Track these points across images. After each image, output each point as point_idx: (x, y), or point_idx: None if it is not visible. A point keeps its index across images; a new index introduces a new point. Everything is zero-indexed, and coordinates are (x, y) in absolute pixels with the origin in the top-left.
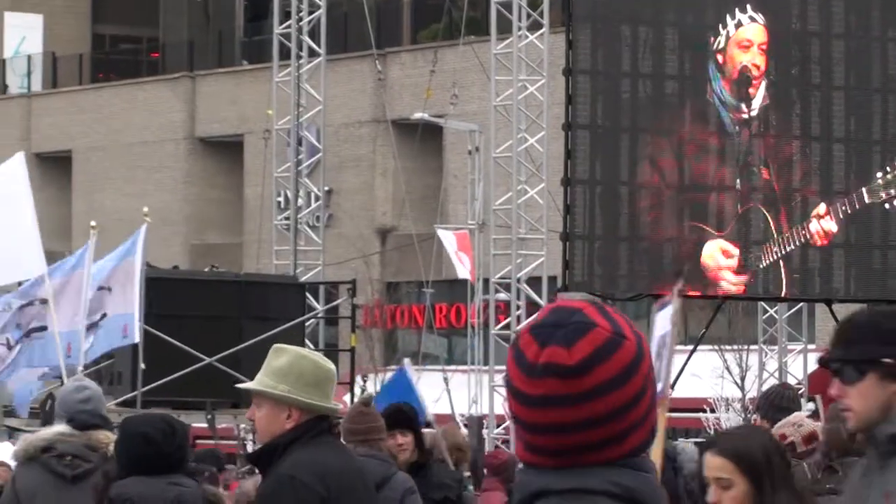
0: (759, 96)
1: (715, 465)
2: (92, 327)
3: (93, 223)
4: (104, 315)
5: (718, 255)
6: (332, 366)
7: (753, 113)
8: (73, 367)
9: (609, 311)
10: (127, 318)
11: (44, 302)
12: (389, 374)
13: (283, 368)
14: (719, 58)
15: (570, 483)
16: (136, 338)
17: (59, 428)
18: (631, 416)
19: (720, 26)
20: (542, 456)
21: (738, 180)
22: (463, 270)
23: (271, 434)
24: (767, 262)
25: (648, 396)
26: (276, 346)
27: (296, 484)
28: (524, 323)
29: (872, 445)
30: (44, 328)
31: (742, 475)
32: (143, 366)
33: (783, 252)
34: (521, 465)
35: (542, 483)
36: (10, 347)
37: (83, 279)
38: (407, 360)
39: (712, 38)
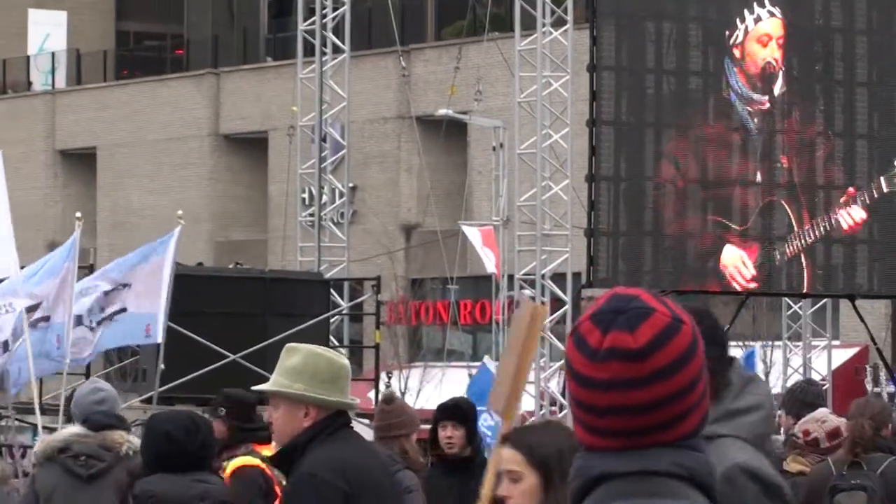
0: (778, 91)
1: (506, 457)
2: (104, 321)
3: (78, 214)
4: (123, 310)
5: (741, 250)
6: (345, 361)
7: (775, 108)
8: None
9: (663, 297)
10: (150, 318)
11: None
12: (414, 371)
13: (296, 367)
14: (736, 52)
15: (634, 465)
16: (160, 338)
17: (75, 429)
18: (689, 399)
19: (738, 21)
20: (606, 438)
21: (760, 176)
22: (490, 264)
23: (290, 433)
24: (790, 257)
25: (704, 380)
26: (288, 345)
27: (317, 482)
28: (549, 319)
29: None
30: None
31: (532, 469)
32: (162, 366)
33: (805, 247)
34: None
35: (605, 466)
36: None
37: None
38: (487, 358)
39: (728, 33)
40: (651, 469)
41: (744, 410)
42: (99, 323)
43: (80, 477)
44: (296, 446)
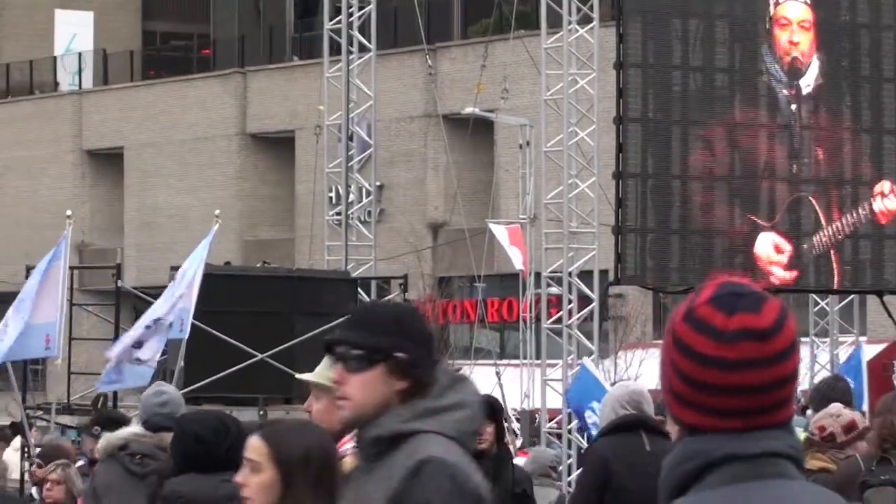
0: (808, 88)
1: (252, 445)
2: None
3: (68, 213)
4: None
5: (769, 246)
6: None
7: (803, 105)
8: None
9: None
10: (184, 313)
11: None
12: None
13: None
14: (771, 42)
15: (759, 446)
16: (187, 333)
17: (135, 429)
18: (797, 380)
19: (771, 8)
20: (727, 419)
21: (788, 172)
22: (518, 262)
23: (329, 426)
24: (818, 253)
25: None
26: None
27: None
28: (576, 317)
29: (359, 446)
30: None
31: (273, 464)
32: (181, 363)
33: (834, 243)
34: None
35: (729, 448)
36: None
37: (60, 271)
38: (586, 359)
39: (761, 25)
40: (773, 450)
41: (447, 408)
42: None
43: (135, 475)
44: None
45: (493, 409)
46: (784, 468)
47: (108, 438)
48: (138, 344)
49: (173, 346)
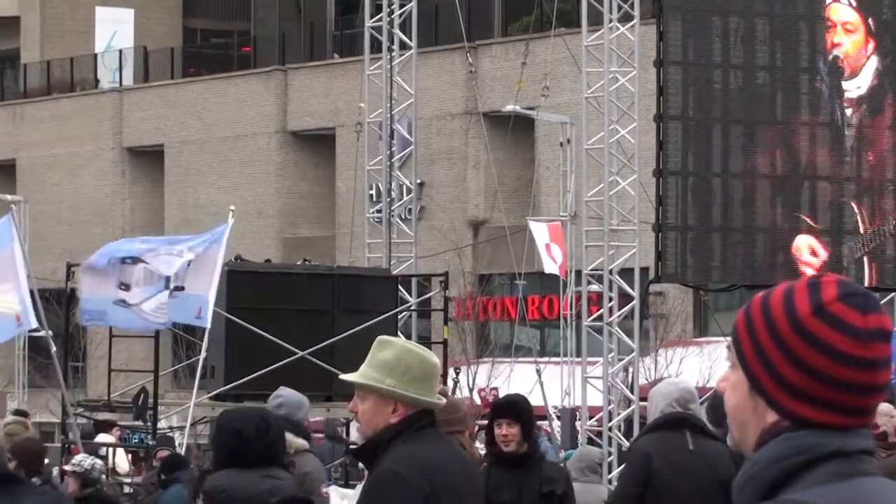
0: (859, 90)
1: None
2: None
3: (9, 197)
4: (182, 288)
5: (811, 245)
6: (437, 360)
7: (849, 104)
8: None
9: None
10: (201, 300)
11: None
12: (482, 367)
13: (389, 362)
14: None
15: (863, 443)
16: (208, 323)
17: None
18: None
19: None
20: (850, 415)
21: (830, 170)
22: (551, 266)
23: (375, 427)
24: (859, 251)
25: None
26: (381, 337)
27: (399, 480)
28: (617, 315)
29: None
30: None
31: None
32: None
33: (874, 242)
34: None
35: (839, 444)
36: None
37: (16, 255)
38: None
39: (802, 23)
40: (867, 448)
41: None
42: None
43: None
44: (380, 441)
45: (517, 409)
46: (872, 465)
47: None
48: (125, 286)
49: (215, 343)
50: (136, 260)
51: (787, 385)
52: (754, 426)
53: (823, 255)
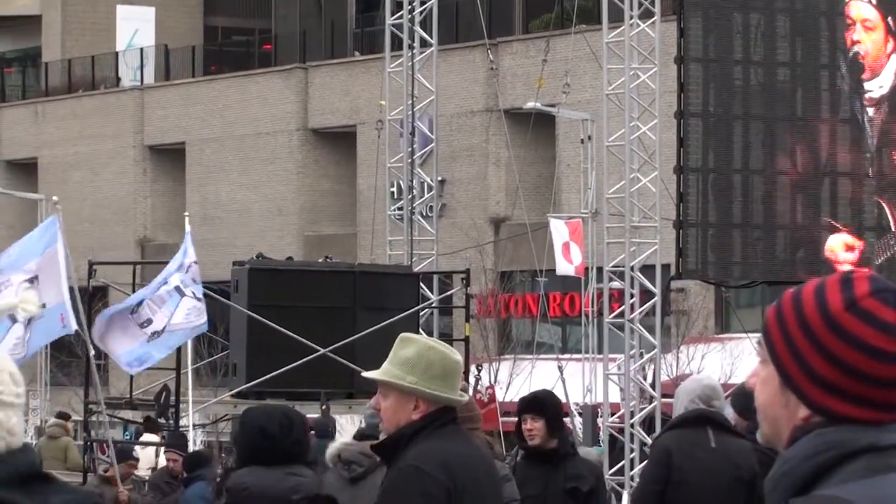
0: (882, 89)
1: None
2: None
3: (55, 198)
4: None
5: (833, 241)
6: (459, 357)
7: (870, 103)
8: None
9: None
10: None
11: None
12: (504, 364)
13: (411, 359)
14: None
15: (891, 439)
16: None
17: (347, 438)
18: None
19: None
20: (883, 411)
21: (851, 167)
22: (567, 267)
23: (397, 424)
24: (882, 248)
25: None
26: (403, 335)
27: (421, 475)
28: (638, 311)
29: None
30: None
31: None
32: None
33: None
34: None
35: (870, 439)
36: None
37: (59, 256)
38: None
39: (823, 19)
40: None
41: None
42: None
43: (344, 479)
44: (401, 437)
45: (541, 404)
46: None
47: (330, 447)
48: (146, 322)
49: (236, 340)
50: (135, 308)
51: (819, 380)
52: (786, 421)
53: (844, 252)
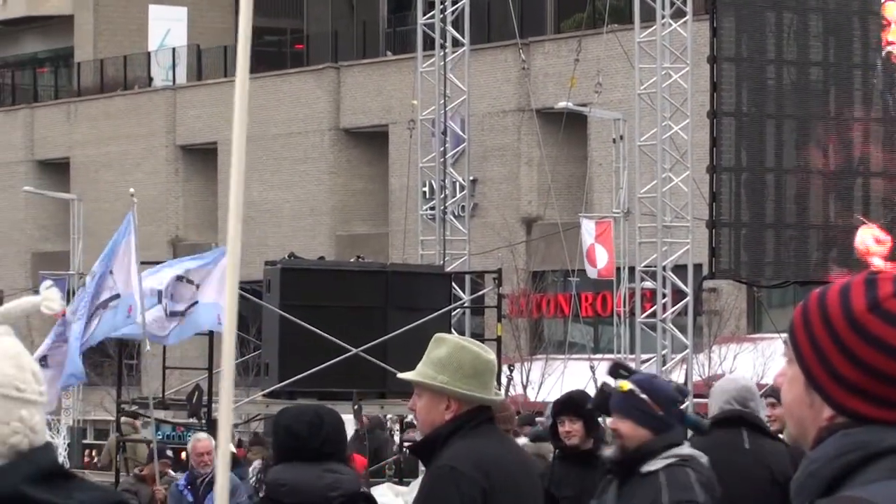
0: None
1: None
2: (176, 314)
3: (132, 190)
4: (195, 303)
5: (866, 241)
6: (492, 356)
7: None
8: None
9: None
10: (218, 307)
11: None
12: (536, 364)
13: (442, 359)
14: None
15: None
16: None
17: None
18: None
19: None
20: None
21: (884, 166)
22: (590, 271)
23: (431, 424)
24: None
25: None
26: (437, 335)
27: (456, 475)
28: (670, 311)
29: None
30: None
31: None
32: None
33: None
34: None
35: (893, 440)
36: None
37: (131, 247)
38: None
39: (856, 18)
40: None
41: None
42: (173, 314)
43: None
44: (437, 438)
45: (577, 405)
46: None
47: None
48: (173, 300)
49: (269, 340)
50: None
51: (843, 380)
52: (811, 422)
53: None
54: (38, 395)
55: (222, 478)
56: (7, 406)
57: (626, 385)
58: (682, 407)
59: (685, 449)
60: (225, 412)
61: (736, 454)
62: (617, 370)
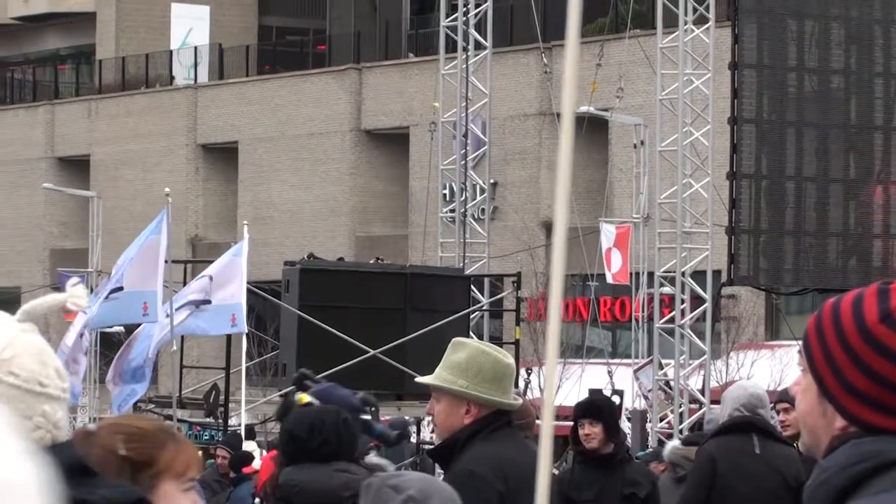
0: None
1: None
2: (189, 305)
3: (167, 190)
4: (208, 301)
5: (885, 249)
6: (511, 360)
7: None
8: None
9: None
10: (236, 308)
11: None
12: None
13: (461, 363)
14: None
15: None
16: (245, 328)
17: (675, 442)
18: None
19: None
20: None
21: None
22: (609, 275)
23: (450, 428)
24: None
25: None
26: (456, 339)
27: (474, 479)
28: (689, 317)
29: None
30: (119, 288)
31: None
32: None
33: None
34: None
35: None
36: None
37: (160, 245)
38: None
39: (877, 27)
40: None
41: None
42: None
43: (672, 480)
44: (455, 442)
45: (597, 409)
46: None
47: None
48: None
49: (287, 341)
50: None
51: (855, 391)
52: (824, 431)
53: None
54: (61, 391)
55: None
56: (30, 401)
57: (305, 398)
58: (365, 417)
59: (372, 458)
60: None
61: (747, 459)
62: (302, 381)
